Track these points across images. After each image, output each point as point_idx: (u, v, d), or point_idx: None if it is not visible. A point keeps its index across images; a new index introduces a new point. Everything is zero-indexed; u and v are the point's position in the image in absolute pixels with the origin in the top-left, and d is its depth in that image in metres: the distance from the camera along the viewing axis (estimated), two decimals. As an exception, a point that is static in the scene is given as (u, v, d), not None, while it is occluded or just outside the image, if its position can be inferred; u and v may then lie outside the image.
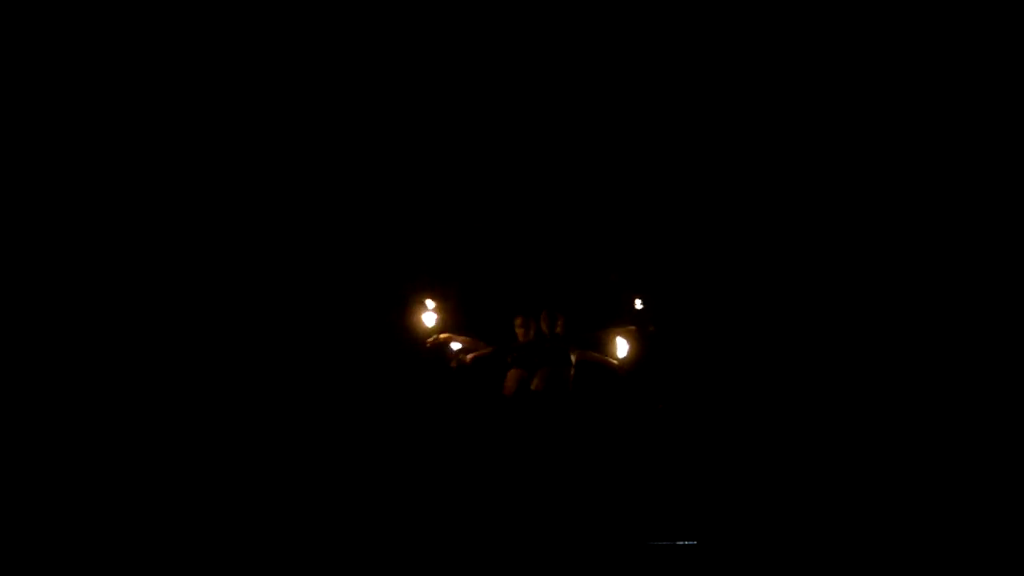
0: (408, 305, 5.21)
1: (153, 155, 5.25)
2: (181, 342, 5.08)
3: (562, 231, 5.81)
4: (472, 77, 5.39)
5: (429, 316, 5.13)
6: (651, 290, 5.25)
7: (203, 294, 5.23)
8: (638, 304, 5.08)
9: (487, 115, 5.53)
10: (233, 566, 4.18)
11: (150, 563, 4.18)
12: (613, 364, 4.94)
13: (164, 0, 4.98)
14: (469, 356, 5.19)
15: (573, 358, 5.04)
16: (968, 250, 4.88)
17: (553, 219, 5.80)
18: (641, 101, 5.40)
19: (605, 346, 5.01)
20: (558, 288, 5.63)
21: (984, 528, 4.23)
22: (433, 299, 5.16)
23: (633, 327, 4.99)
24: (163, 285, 5.16)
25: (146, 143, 5.24)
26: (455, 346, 5.22)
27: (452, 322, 5.26)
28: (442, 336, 5.16)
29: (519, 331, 5.20)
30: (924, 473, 4.48)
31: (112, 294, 5.03)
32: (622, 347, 4.86)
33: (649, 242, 5.62)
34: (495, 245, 5.84)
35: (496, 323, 5.38)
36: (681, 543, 4.25)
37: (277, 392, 5.08)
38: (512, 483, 4.62)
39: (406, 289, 5.33)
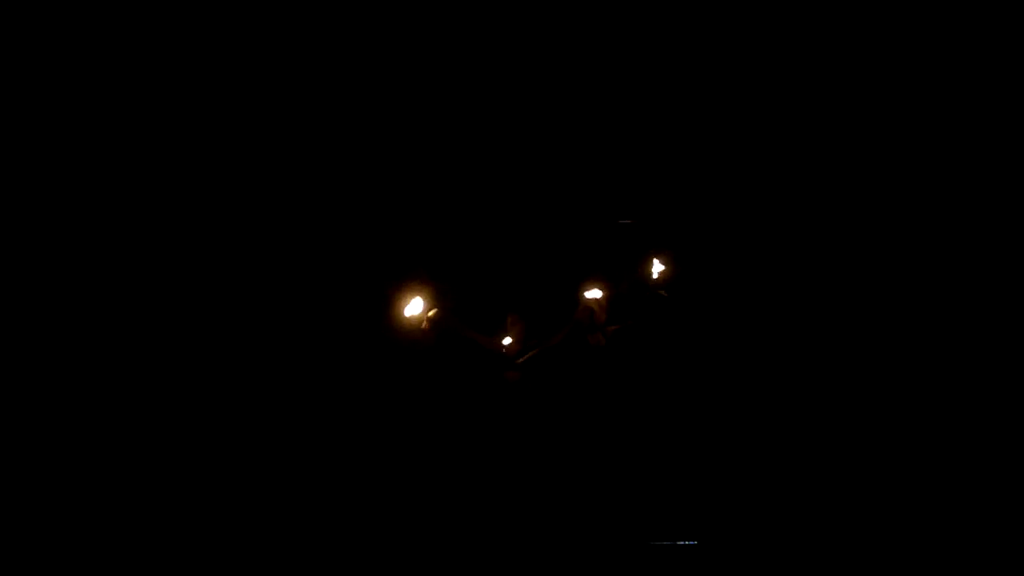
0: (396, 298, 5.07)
1: (140, 154, 5.20)
2: (168, 339, 5.00)
3: (555, 228, 5.80)
4: (462, 78, 5.36)
5: (416, 304, 4.83)
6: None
7: (187, 290, 5.17)
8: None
9: (482, 114, 5.51)
10: (232, 566, 4.16)
11: (149, 563, 4.16)
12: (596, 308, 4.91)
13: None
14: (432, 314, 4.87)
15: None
16: (986, 248, 4.88)
17: (545, 217, 5.78)
18: (629, 92, 5.38)
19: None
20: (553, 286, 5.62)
21: (984, 528, 4.25)
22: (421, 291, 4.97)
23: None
24: (152, 281, 5.09)
25: (136, 142, 5.19)
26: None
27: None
28: (431, 314, 4.85)
29: (513, 330, 5.16)
30: (925, 472, 4.49)
31: (95, 294, 4.97)
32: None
33: (646, 239, 5.62)
34: (490, 244, 5.82)
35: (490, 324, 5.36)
36: (681, 543, 4.25)
37: (271, 389, 5.04)
38: (512, 482, 4.60)
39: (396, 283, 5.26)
